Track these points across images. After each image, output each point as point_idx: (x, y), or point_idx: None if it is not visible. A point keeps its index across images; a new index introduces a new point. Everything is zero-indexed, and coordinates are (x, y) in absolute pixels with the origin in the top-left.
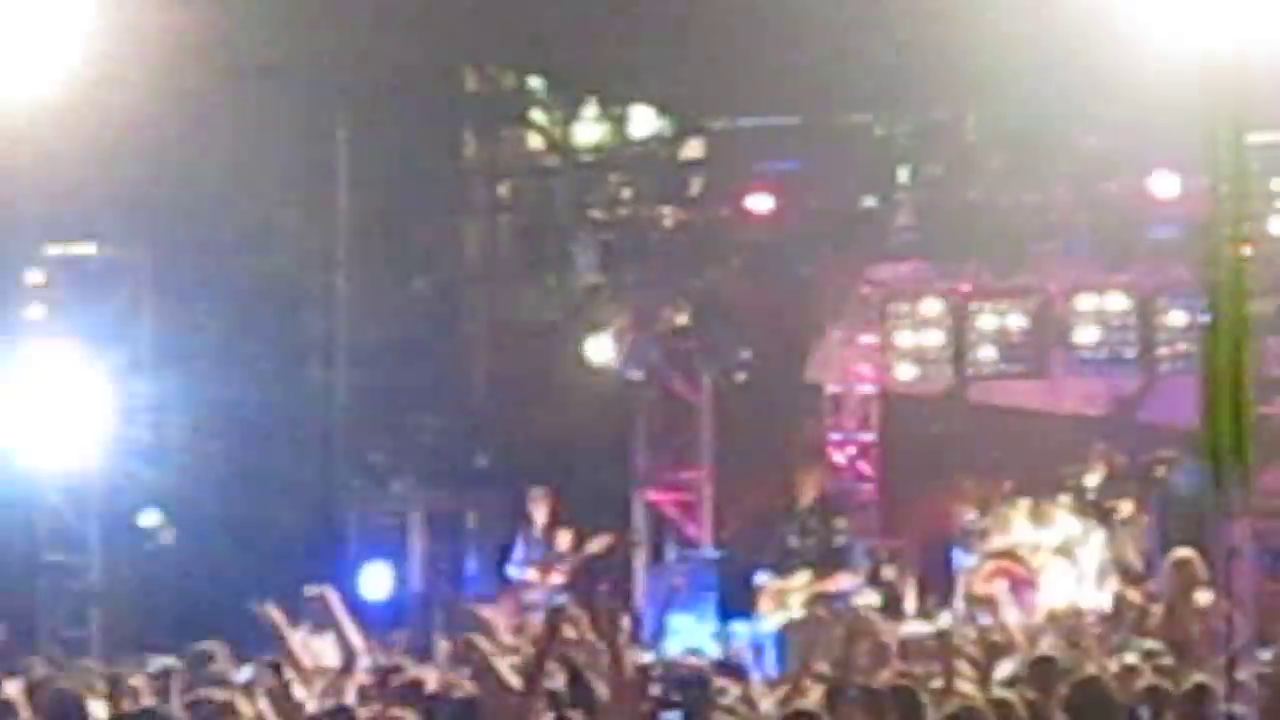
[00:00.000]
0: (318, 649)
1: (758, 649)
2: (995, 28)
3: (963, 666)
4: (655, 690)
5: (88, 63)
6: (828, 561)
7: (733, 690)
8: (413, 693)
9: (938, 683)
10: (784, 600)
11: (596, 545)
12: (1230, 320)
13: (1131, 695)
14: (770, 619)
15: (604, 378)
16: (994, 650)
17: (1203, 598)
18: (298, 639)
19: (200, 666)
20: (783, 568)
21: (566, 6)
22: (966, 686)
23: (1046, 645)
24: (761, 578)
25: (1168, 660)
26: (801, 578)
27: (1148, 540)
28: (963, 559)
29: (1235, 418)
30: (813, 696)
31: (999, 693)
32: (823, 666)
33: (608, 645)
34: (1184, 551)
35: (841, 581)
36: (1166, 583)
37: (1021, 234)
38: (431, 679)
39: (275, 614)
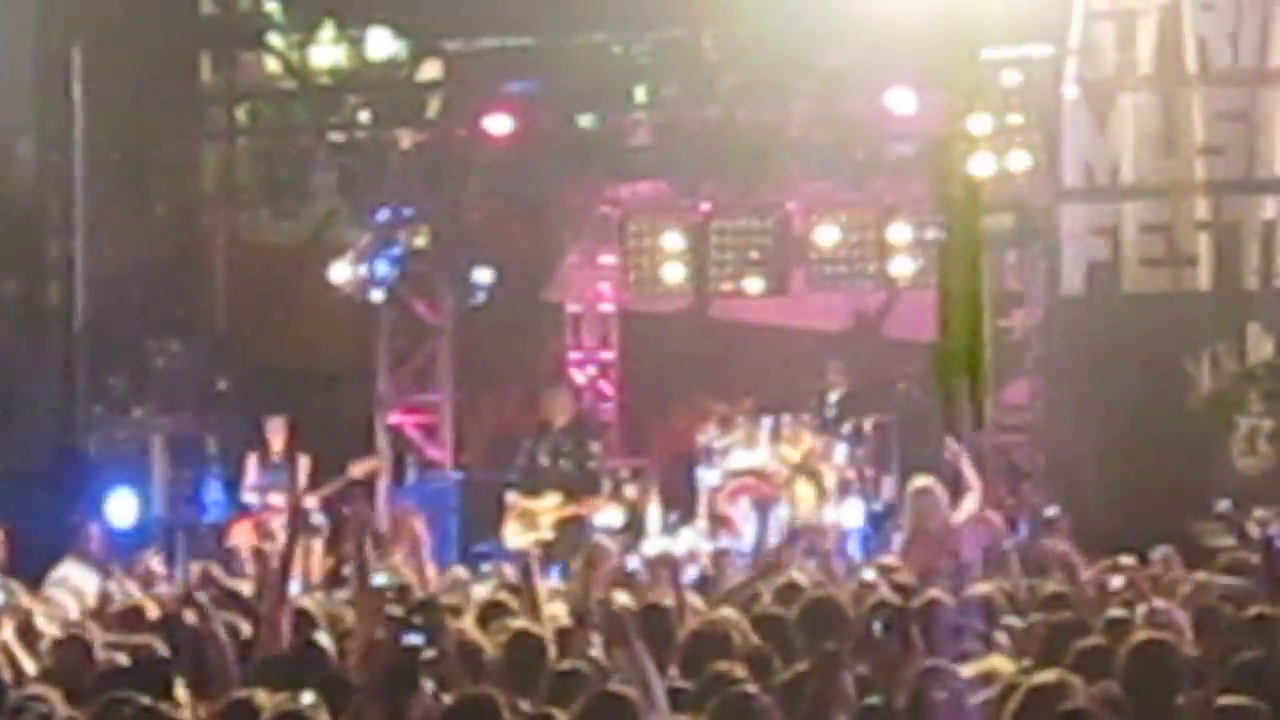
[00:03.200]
0: (79, 579)
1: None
2: None
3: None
4: (395, 611)
5: None
6: (579, 483)
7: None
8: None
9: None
10: (534, 521)
11: (359, 470)
12: (964, 236)
13: (866, 610)
14: (518, 539)
15: (344, 300)
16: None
17: (955, 518)
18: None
19: None
20: (532, 488)
21: None
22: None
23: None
24: (510, 498)
25: (904, 577)
26: (551, 499)
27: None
28: (705, 477)
29: (970, 332)
30: (558, 615)
31: (736, 609)
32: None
33: (354, 564)
34: (923, 480)
35: (592, 504)
36: (908, 512)
37: (760, 152)
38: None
39: None
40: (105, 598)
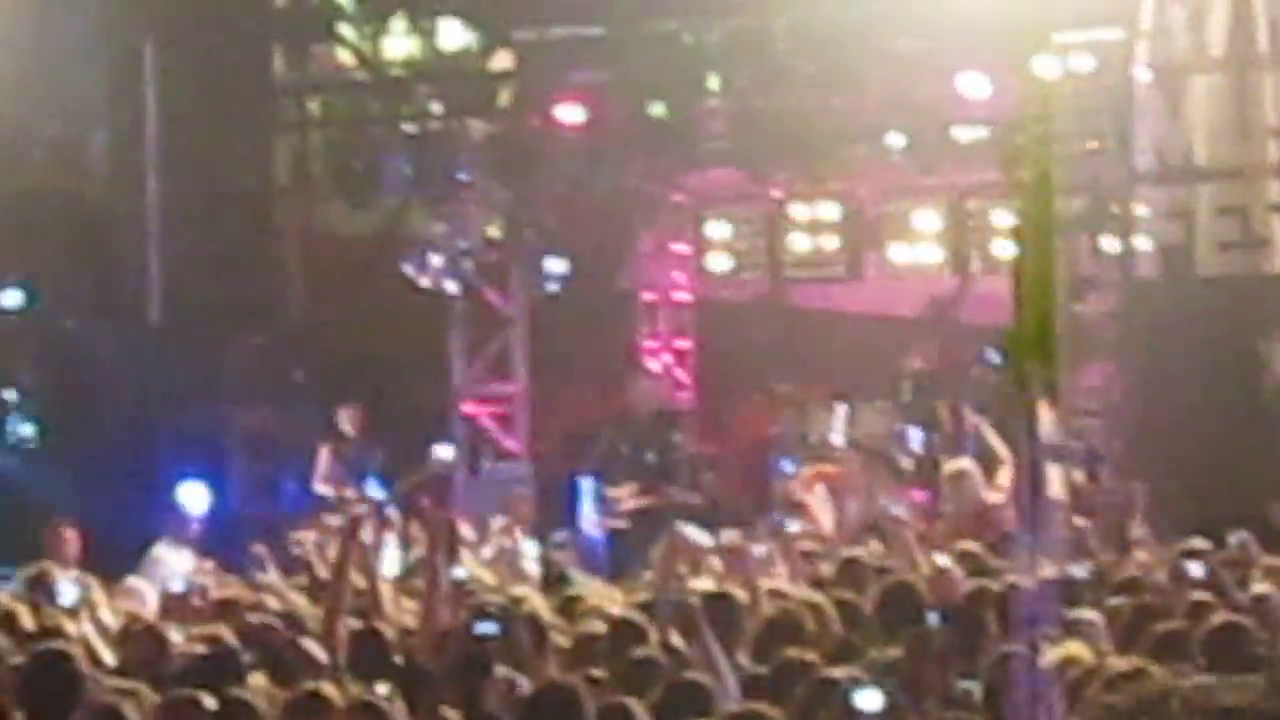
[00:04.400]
0: (174, 562)
1: (584, 553)
2: None
3: (783, 571)
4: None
5: None
6: (661, 472)
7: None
8: (226, 609)
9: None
10: (611, 509)
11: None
12: (1037, 219)
13: (942, 598)
14: (594, 527)
15: (418, 292)
16: (811, 554)
17: (992, 497)
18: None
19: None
20: (612, 477)
21: None
22: (786, 588)
23: (862, 548)
24: (586, 485)
25: (985, 562)
26: (629, 487)
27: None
28: (782, 465)
29: (1043, 316)
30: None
31: (810, 595)
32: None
33: (428, 558)
34: (960, 463)
35: (670, 493)
36: (947, 495)
37: (832, 139)
38: (246, 596)
39: None
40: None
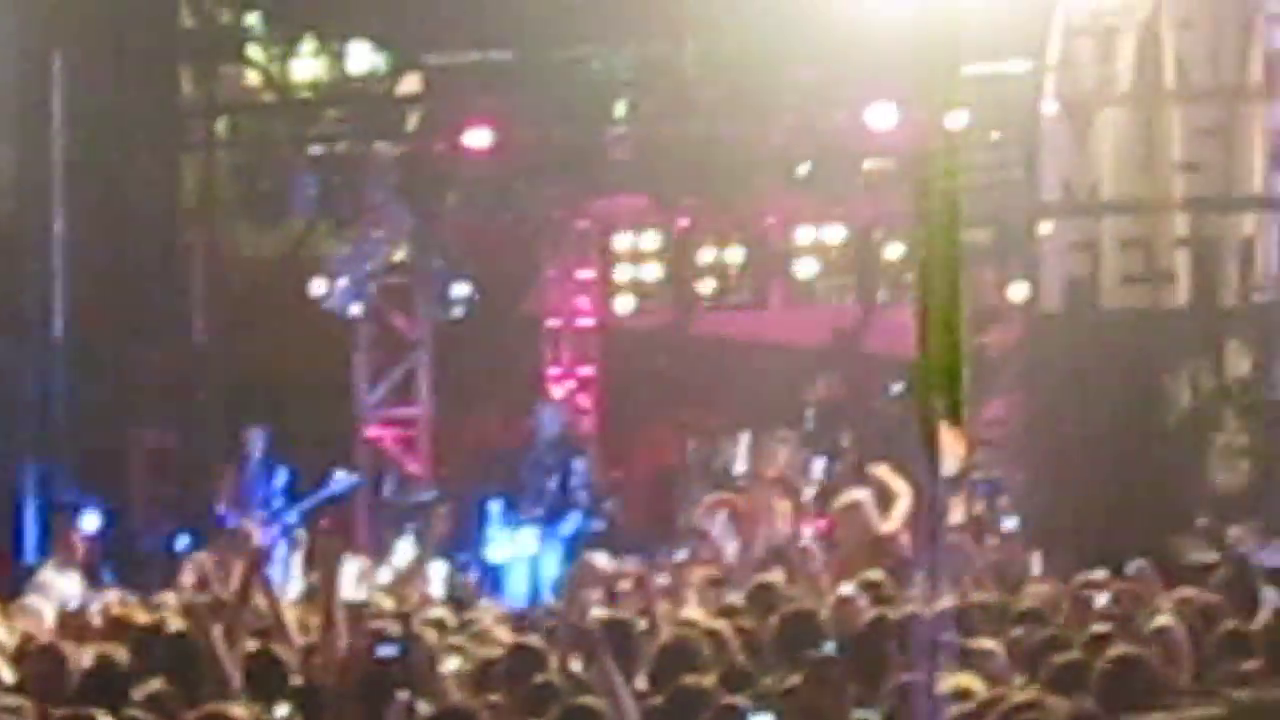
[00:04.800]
0: (61, 585)
1: (487, 579)
2: None
3: (688, 597)
4: (372, 625)
5: None
6: (561, 499)
7: (453, 620)
8: (123, 628)
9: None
10: (514, 536)
11: (338, 486)
12: (943, 251)
13: (846, 626)
14: (501, 551)
15: (323, 314)
16: (713, 582)
17: (886, 526)
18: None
19: None
20: (515, 503)
21: None
22: (688, 615)
23: (767, 575)
24: (494, 510)
25: (881, 590)
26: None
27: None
28: (683, 491)
29: (948, 348)
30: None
31: (712, 622)
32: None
33: (321, 581)
34: (853, 493)
35: (575, 521)
36: (840, 525)
37: (740, 167)
38: (141, 614)
39: None
40: (66, 608)
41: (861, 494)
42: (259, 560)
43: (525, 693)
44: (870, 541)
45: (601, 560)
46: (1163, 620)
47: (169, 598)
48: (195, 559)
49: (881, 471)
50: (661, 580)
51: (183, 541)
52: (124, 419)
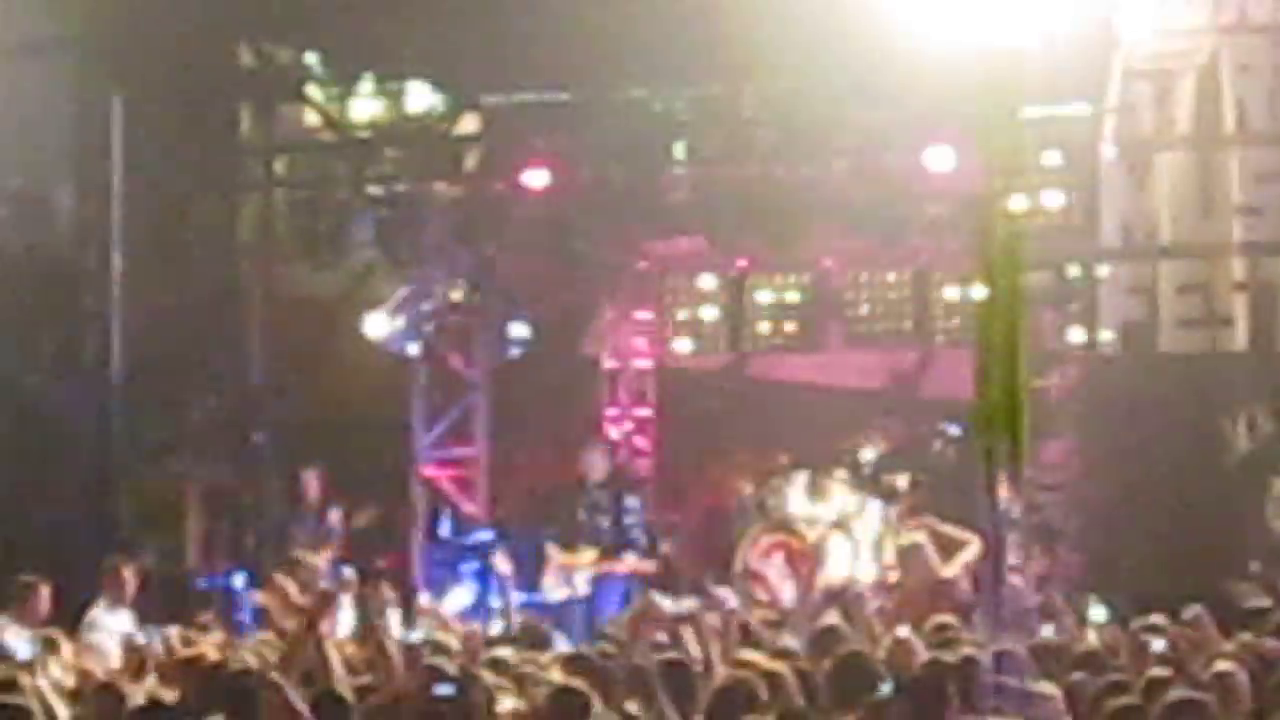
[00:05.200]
0: (110, 625)
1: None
2: (770, 2)
3: (743, 640)
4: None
5: None
6: (616, 538)
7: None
8: (193, 667)
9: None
10: (570, 575)
11: (363, 519)
12: (1003, 294)
13: (902, 668)
14: (555, 592)
15: (381, 354)
16: (769, 624)
17: (948, 571)
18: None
19: None
20: (570, 543)
21: None
22: (745, 656)
23: (828, 618)
24: (550, 550)
25: (948, 634)
26: (588, 554)
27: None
28: (740, 533)
29: (1008, 391)
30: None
31: (769, 664)
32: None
33: (365, 626)
34: (914, 535)
35: (629, 562)
36: (900, 567)
37: (798, 209)
38: (211, 651)
39: None
40: (131, 644)
41: (921, 536)
42: (328, 601)
43: None
44: (932, 584)
45: (662, 601)
46: (1224, 665)
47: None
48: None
49: (941, 526)
50: (713, 621)
51: (238, 581)
52: (181, 459)
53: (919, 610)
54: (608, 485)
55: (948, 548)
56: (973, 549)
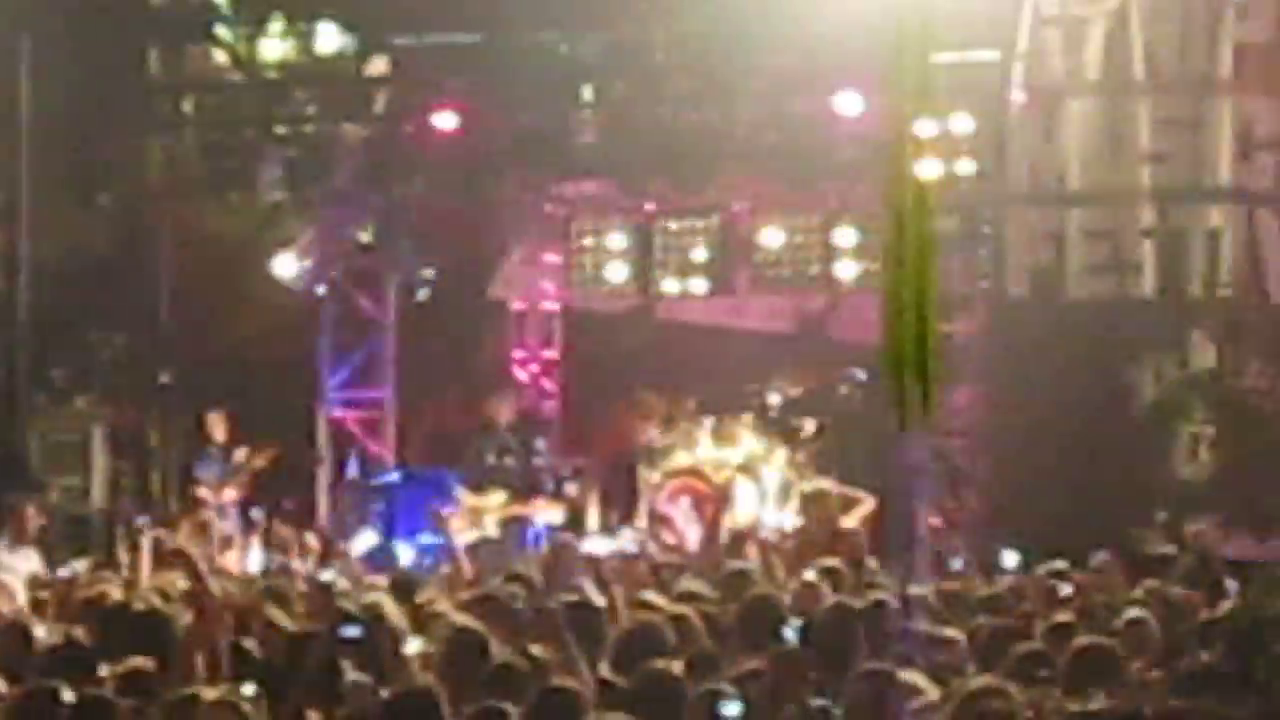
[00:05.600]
0: (12, 564)
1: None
2: None
3: (648, 583)
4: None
5: None
6: (524, 481)
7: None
8: (97, 606)
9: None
10: (479, 519)
11: (261, 459)
12: (911, 239)
13: (806, 612)
14: (462, 535)
15: (288, 294)
16: (674, 567)
17: (848, 521)
18: None
19: None
20: (478, 486)
21: None
22: (652, 599)
23: (738, 562)
24: (459, 492)
25: (850, 579)
26: (497, 497)
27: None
28: (646, 476)
29: (918, 336)
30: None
31: (674, 607)
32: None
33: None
34: (817, 483)
35: (536, 503)
36: (803, 513)
37: (707, 153)
38: (114, 592)
39: None
40: (37, 582)
41: (826, 483)
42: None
43: (486, 674)
44: (832, 531)
45: (577, 544)
46: (1135, 613)
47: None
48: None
49: (840, 486)
50: (614, 564)
51: (141, 521)
52: (87, 398)
53: (817, 555)
54: (516, 429)
55: (844, 506)
56: (867, 505)
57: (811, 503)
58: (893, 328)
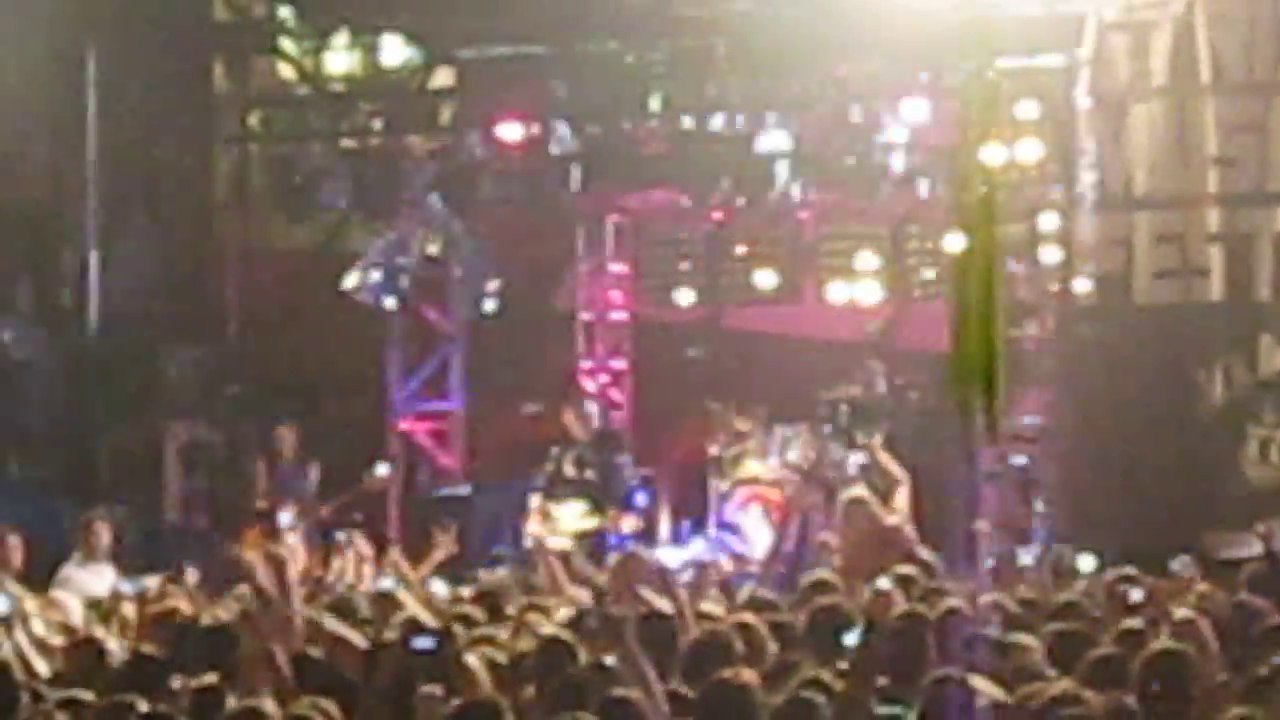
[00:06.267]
0: (84, 580)
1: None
2: None
3: (717, 593)
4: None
5: None
6: (605, 493)
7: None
8: (167, 621)
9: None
10: (554, 526)
11: (371, 485)
12: (979, 245)
13: (886, 620)
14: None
15: (357, 308)
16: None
17: (890, 519)
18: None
19: None
20: (556, 496)
21: None
22: (721, 609)
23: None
24: (534, 501)
25: (929, 584)
26: (575, 507)
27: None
28: (716, 486)
29: (985, 343)
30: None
31: (744, 617)
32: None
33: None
34: (854, 490)
35: (615, 515)
36: (845, 521)
37: (774, 162)
38: (185, 605)
39: None
40: (116, 597)
41: (861, 490)
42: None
43: (556, 686)
44: (877, 533)
45: (647, 553)
46: (1184, 613)
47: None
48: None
49: (879, 454)
50: (686, 575)
51: (216, 537)
52: (157, 413)
53: (866, 562)
54: (596, 440)
55: (884, 480)
56: (903, 489)
57: (850, 510)
58: (961, 335)
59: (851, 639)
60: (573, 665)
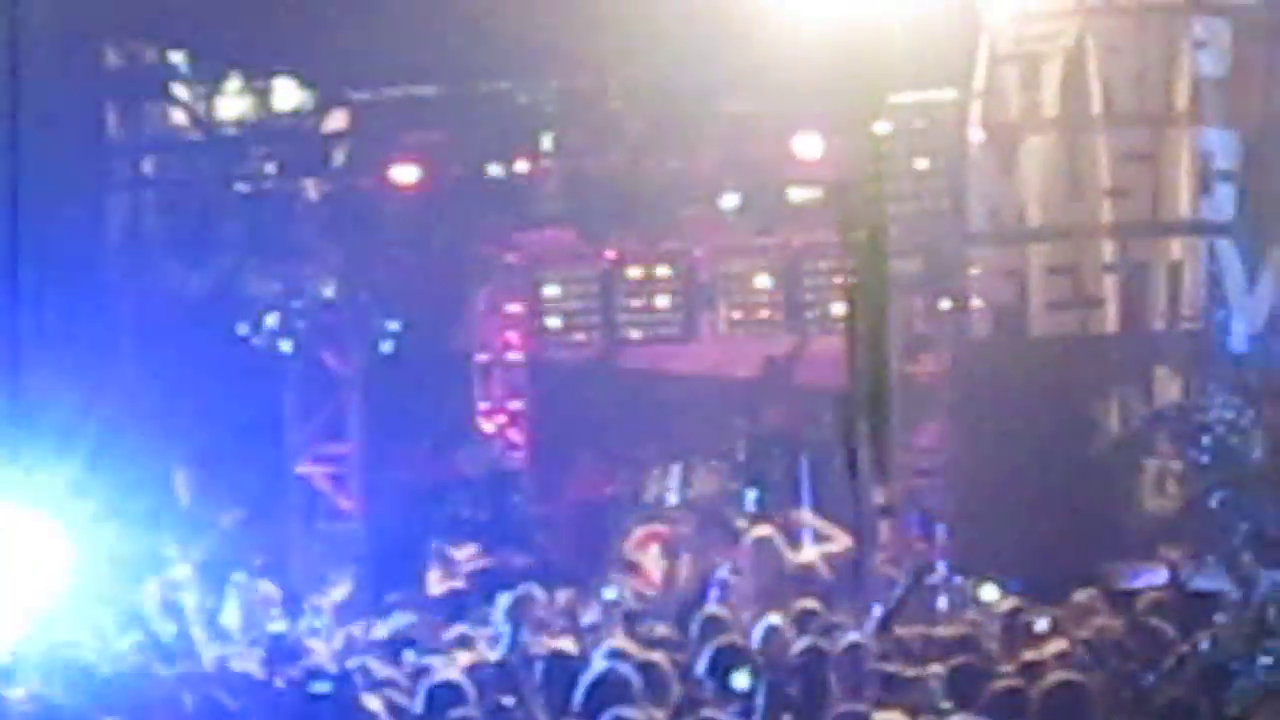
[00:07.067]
0: None
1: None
2: None
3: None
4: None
5: None
6: (498, 532)
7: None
8: None
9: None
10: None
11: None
12: (871, 280)
13: (776, 656)
14: (438, 586)
15: (252, 352)
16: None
17: (801, 557)
18: None
19: None
20: (453, 538)
21: None
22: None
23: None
24: (434, 546)
25: (827, 619)
26: (469, 549)
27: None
28: (614, 524)
29: (877, 378)
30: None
31: (646, 655)
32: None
33: None
34: (761, 529)
35: (512, 555)
36: (751, 558)
37: (667, 200)
38: None
39: None
40: None
41: (768, 528)
42: None
43: None
44: (783, 574)
45: (538, 594)
46: (1059, 645)
47: None
48: None
49: (811, 519)
50: (590, 614)
51: None
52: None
53: (774, 600)
54: (491, 481)
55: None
56: (840, 542)
57: (757, 549)
58: (853, 369)
59: (743, 680)
60: (461, 708)
